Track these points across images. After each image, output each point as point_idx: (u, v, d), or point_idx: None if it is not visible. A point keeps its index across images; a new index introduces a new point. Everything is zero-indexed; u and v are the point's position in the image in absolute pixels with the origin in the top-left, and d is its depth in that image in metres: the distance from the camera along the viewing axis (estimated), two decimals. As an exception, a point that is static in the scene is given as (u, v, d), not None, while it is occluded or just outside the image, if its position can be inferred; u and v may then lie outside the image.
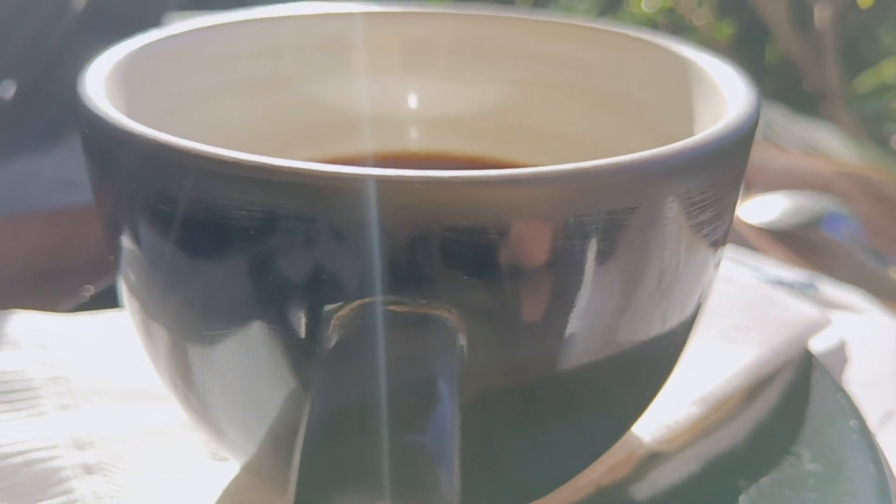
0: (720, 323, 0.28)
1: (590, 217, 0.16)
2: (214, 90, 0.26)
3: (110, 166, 0.18)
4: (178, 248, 0.17)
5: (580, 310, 0.17)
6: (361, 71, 0.29)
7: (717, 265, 0.20)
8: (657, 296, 0.18)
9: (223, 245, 0.16)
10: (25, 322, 0.26)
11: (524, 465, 0.20)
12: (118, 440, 0.23)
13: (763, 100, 0.21)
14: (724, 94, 0.21)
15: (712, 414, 0.25)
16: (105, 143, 0.18)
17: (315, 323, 0.16)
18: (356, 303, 0.16)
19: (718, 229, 0.19)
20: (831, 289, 0.37)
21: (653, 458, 0.24)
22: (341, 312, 0.16)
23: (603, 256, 0.16)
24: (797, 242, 0.45)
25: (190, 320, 0.18)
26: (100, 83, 0.20)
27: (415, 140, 0.30)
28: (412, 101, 0.30)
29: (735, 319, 0.28)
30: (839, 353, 0.31)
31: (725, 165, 0.18)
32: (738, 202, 0.22)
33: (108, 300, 0.27)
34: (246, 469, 0.22)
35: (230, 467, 0.23)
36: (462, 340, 0.16)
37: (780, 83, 1.16)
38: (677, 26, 1.20)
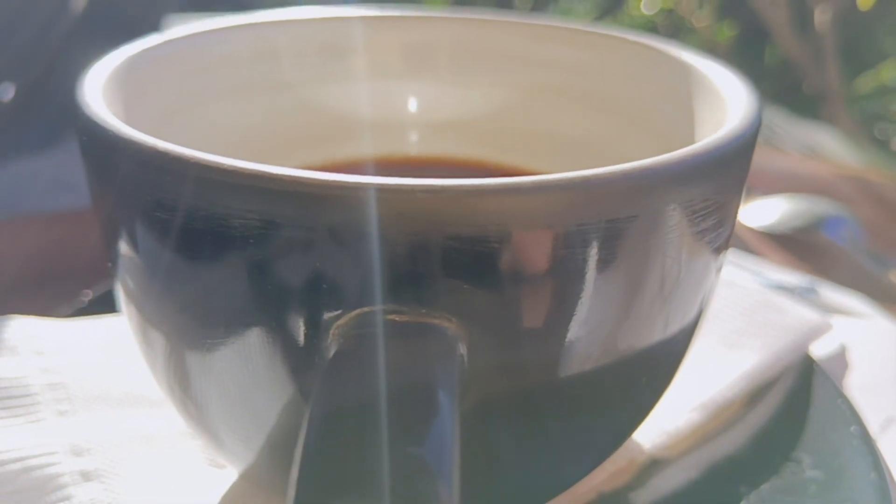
0: (721, 328, 0.28)
1: (591, 225, 0.16)
2: (214, 94, 0.26)
3: (108, 173, 0.18)
4: (176, 256, 0.17)
5: (581, 318, 0.17)
6: (361, 75, 0.29)
7: (718, 271, 0.20)
8: (658, 303, 0.18)
9: (221, 253, 0.16)
10: (23, 327, 0.26)
11: (525, 474, 0.19)
12: (116, 447, 0.23)
13: (763, 102, 0.21)
14: (726, 98, 0.21)
15: (713, 420, 0.25)
16: (103, 150, 0.18)
17: (314, 332, 0.16)
18: (356, 312, 0.16)
19: (720, 236, 0.19)
20: (832, 293, 0.36)
21: (654, 465, 0.24)
22: (341, 321, 0.16)
23: (604, 265, 0.16)
24: (797, 246, 0.44)
25: (188, 330, 0.18)
26: (98, 89, 0.20)
27: (415, 144, 0.30)
28: (412, 106, 0.30)
29: (736, 324, 0.28)
30: (840, 358, 0.31)
31: (727, 173, 0.18)
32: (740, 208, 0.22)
33: (106, 304, 0.27)
34: (244, 477, 0.22)
35: (228, 475, 0.23)
36: (462, 349, 0.16)
37: (780, 85, 1.16)
38: (677, 28, 1.20)
